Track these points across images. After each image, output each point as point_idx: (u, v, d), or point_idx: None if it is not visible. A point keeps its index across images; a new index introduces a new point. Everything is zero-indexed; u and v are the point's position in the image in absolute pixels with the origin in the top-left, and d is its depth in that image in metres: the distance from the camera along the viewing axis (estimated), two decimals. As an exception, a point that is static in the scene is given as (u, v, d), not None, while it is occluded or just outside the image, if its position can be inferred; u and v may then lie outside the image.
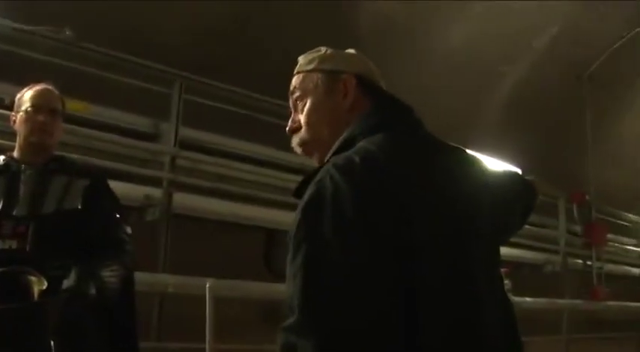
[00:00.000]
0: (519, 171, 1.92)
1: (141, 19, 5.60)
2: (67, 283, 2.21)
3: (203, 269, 4.83)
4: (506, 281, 1.58)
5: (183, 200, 5.52)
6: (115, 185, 2.81)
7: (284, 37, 6.17)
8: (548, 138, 9.52)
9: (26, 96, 2.56)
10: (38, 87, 2.59)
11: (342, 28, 6.31)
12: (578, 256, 9.85)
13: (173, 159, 5.52)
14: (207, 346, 3.40)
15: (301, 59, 1.65)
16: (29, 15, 4.82)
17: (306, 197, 1.32)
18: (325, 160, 1.44)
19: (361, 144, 1.42)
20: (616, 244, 10.88)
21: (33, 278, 2.14)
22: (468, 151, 1.60)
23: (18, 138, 2.56)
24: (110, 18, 5.40)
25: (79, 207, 2.46)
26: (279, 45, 6.05)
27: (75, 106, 4.95)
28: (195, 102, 5.75)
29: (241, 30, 6.14)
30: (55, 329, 2.15)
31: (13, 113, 2.59)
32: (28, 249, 2.32)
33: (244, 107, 6.07)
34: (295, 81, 1.63)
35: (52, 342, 2.12)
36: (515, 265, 8.77)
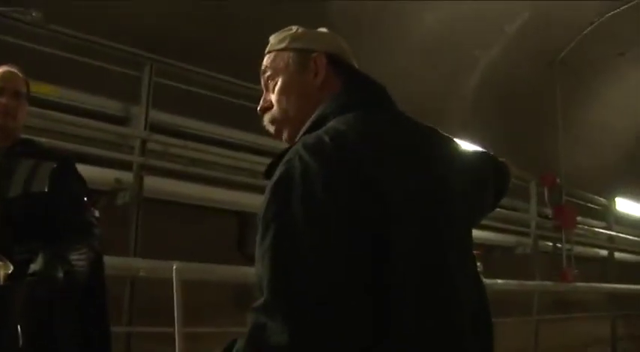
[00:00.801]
0: (492, 153, 1.90)
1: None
2: (33, 267, 2.18)
3: (175, 253, 4.81)
4: (477, 264, 1.57)
5: (154, 184, 5.48)
6: (85, 169, 2.78)
7: (256, 20, 6.13)
8: (520, 123, 9.59)
9: None
10: (0, 69, 2.54)
11: (315, 11, 6.28)
12: (548, 239, 9.97)
13: (144, 142, 5.47)
14: (175, 330, 3.38)
15: (272, 38, 1.64)
16: (-6, -4, 4.73)
17: (275, 177, 1.31)
18: (295, 140, 1.43)
19: (331, 123, 1.41)
20: (585, 227, 11.01)
21: (-1, 262, 2.12)
22: (442, 132, 1.60)
23: None
24: (79, -1, 5.32)
25: (46, 189, 2.43)
26: (251, 27, 6.01)
27: (44, 89, 4.89)
28: (165, 85, 5.70)
29: (213, 12, 6.08)
30: (22, 313, 2.13)
31: None
32: (-7, 232, 2.29)
33: (215, 90, 6.03)
34: (266, 60, 1.63)
35: (18, 327, 2.10)
36: (487, 248, 8.86)
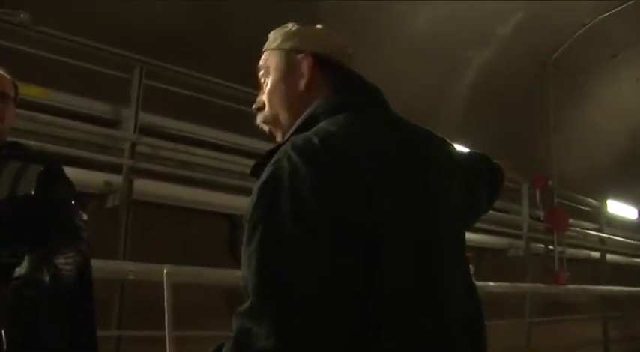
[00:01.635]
0: (486, 155, 1.88)
1: (100, 1, 5.50)
2: (19, 270, 2.15)
3: (166, 256, 4.78)
4: (469, 266, 1.56)
5: (144, 186, 5.45)
6: (74, 171, 2.76)
7: (248, 21, 6.10)
8: (512, 124, 9.60)
9: None
10: None
11: (308, 11, 6.25)
12: (540, 241, 9.97)
13: (133, 145, 5.44)
14: (166, 333, 3.34)
15: (270, 35, 1.64)
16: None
17: (262, 177, 1.29)
18: (284, 140, 1.42)
19: (322, 124, 1.39)
20: (577, 229, 11.03)
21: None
22: (435, 133, 1.58)
23: None
24: (68, 1, 5.28)
25: (33, 192, 2.39)
26: (243, 29, 5.98)
27: (33, 92, 4.86)
28: (155, 87, 5.67)
29: (203, 14, 6.05)
30: (7, 317, 2.10)
31: None
32: (-21, 236, 2.25)
33: (206, 92, 6.00)
34: (262, 59, 1.63)
35: (2, 332, 2.07)
36: (479, 250, 8.86)
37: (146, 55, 5.52)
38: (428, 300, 1.30)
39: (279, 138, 1.59)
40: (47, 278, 2.17)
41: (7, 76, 2.55)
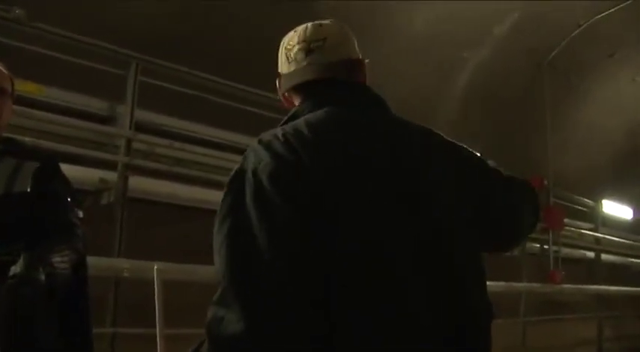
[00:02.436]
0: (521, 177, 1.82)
1: (96, -2, 5.49)
2: (14, 269, 2.13)
3: (160, 253, 4.77)
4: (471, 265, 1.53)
5: (139, 183, 5.43)
6: (69, 168, 2.73)
7: (243, 19, 6.09)
8: (508, 124, 9.60)
9: None
10: None
11: (304, 11, 6.24)
12: (536, 240, 9.97)
13: (129, 142, 5.42)
14: (157, 330, 3.33)
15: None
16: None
17: (232, 171, 1.39)
18: None
19: (297, 120, 1.49)
20: (572, 228, 11.04)
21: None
22: (420, 126, 1.59)
23: None
24: (63, -3, 5.27)
25: (28, 190, 2.37)
26: (238, 27, 5.97)
27: (28, 88, 4.83)
28: (151, 84, 5.64)
29: (199, 11, 6.04)
30: (2, 316, 2.08)
31: None
32: (-27, 233, 2.23)
33: (201, 90, 5.98)
34: None
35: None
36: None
37: (142, 51, 5.50)
38: (382, 289, 1.31)
39: None
40: (42, 277, 2.15)
41: (5, 71, 2.52)
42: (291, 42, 1.66)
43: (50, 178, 2.48)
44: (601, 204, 12.11)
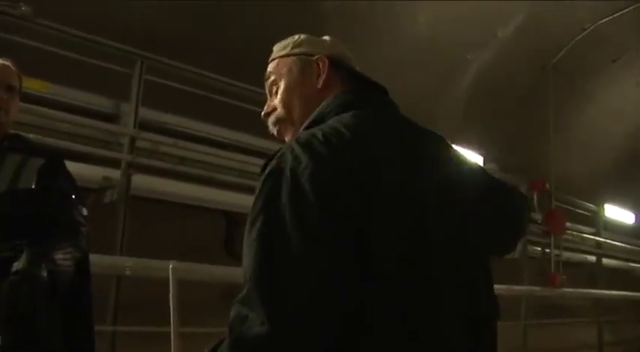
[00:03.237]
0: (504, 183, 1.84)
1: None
2: (17, 265, 2.14)
3: (162, 252, 4.77)
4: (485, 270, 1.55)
5: (142, 182, 5.43)
6: (73, 166, 2.73)
7: (249, 18, 6.10)
8: (511, 126, 9.60)
9: None
10: None
11: (307, 10, 6.25)
12: (537, 244, 9.97)
13: (133, 140, 5.42)
14: (171, 329, 3.33)
15: (275, 47, 1.70)
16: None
17: (267, 169, 1.32)
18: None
19: (329, 121, 1.44)
20: (574, 232, 11.03)
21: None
22: (442, 136, 1.59)
23: None
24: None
25: (33, 186, 2.38)
26: (244, 25, 5.98)
27: (33, 85, 4.84)
28: (156, 82, 5.65)
29: (205, 10, 6.04)
30: (3, 313, 2.09)
31: None
32: (-23, 229, 2.24)
33: (206, 88, 5.99)
34: (270, 67, 1.68)
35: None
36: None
37: (147, 50, 5.51)
38: (420, 303, 1.30)
39: (289, 138, 1.62)
40: (45, 274, 2.15)
41: (13, 68, 2.53)
42: (339, 45, 1.70)
43: (55, 175, 2.49)
44: (603, 208, 12.09)
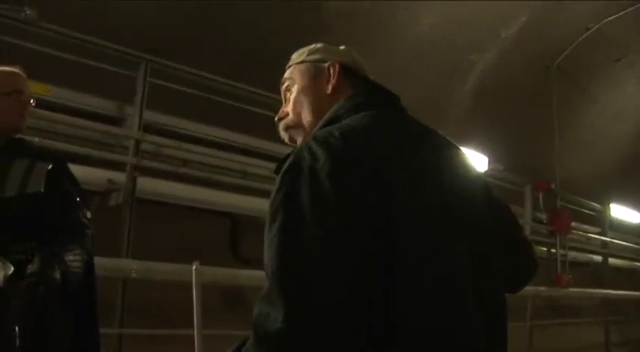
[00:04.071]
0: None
1: (106, -1, 5.50)
2: (31, 268, 2.16)
3: (168, 254, 4.78)
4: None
5: (147, 184, 5.44)
6: (78, 169, 2.76)
7: (252, 20, 6.10)
8: (516, 127, 9.58)
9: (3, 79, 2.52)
10: (12, 70, 2.56)
11: (311, 11, 6.25)
12: (542, 244, 9.95)
13: (137, 143, 5.42)
14: (195, 332, 3.36)
15: (293, 55, 1.77)
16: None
17: (285, 166, 1.34)
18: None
19: (345, 121, 1.48)
20: (579, 232, 11.01)
21: (-2, 263, 2.10)
22: (451, 140, 1.62)
23: None
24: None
25: (42, 190, 2.40)
26: (247, 27, 5.98)
27: (36, 88, 4.84)
28: (160, 85, 5.66)
29: (208, 12, 6.05)
30: (21, 314, 2.11)
31: None
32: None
33: (211, 91, 5.99)
34: (286, 73, 1.75)
35: (16, 328, 2.08)
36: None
37: (151, 52, 5.51)
38: (441, 301, 1.31)
39: (300, 142, 1.66)
40: (58, 276, 2.19)
41: (23, 75, 2.59)
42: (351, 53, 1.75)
43: (61, 179, 2.51)
44: (609, 207, 12.05)
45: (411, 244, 1.29)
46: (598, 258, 11.90)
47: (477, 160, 8.23)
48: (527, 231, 9.65)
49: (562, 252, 9.93)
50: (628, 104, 11.46)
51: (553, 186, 9.83)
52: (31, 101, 2.59)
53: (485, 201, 1.58)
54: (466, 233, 1.42)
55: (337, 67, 1.65)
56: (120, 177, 5.30)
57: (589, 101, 10.96)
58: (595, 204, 11.64)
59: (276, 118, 1.74)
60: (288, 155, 1.38)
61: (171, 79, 5.77)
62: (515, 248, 1.69)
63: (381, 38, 7.52)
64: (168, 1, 5.87)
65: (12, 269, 2.11)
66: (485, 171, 8.17)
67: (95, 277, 2.52)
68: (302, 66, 1.71)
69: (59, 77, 5.15)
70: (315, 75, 1.68)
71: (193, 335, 3.34)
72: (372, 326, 1.23)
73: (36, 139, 3.36)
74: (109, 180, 5.27)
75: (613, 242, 12.09)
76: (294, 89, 1.69)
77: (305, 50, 1.73)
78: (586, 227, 11.49)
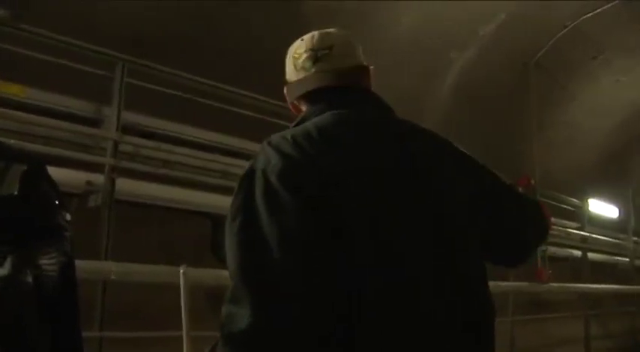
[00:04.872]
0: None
1: (81, -1, 5.45)
2: (1, 271, 2.11)
3: (148, 256, 4.75)
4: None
5: (126, 186, 5.40)
6: (55, 171, 2.71)
7: (231, 19, 6.07)
8: (494, 124, 9.62)
9: None
10: None
11: (290, 10, 6.23)
12: (522, 239, 9.97)
13: (115, 144, 5.37)
14: (183, 334, 3.33)
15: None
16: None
17: (242, 171, 1.44)
18: None
19: (306, 123, 1.55)
20: (559, 227, 11.08)
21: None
22: (419, 126, 1.67)
23: None
24: (49, -2, 5.23)
25: (16, 192, 2.35)
26: (225, 27, 5.95)
27: (11, 89, 4.80)
28: (137, 85, 5.61)
29: (186, 12, 6.01)
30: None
31: None
32: (-39, 236, 2.21)
33: (188, 91, 5.95)
34: None
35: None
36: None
37: (128, 53, 5.46)
38: (403, 285, 1.34)
39: None
40: (30, 279, 2.14)
41: None
42: (298, 50, 1.70)
43: (37, 181, 2.46)
44: (587, 203, 12.16)
45: (363, 231, 1.33)
46: (577, 253, 11.99)
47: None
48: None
49: (542, 247, 9.98)
50: (605, 100, 11.56)
51: (533, 181, 9.87)
52: None
53: (461, 174, 1.60)
54: (428, 210, 1.44)
55: (294, 102, 1.71)
56: (98, 178, 5.25)
57: (567, 98, 11.04)
58: (574, 200, 11.73)
59: None
60: None
61: (149, 79, 5.73)
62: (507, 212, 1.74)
63: (360, 37, 7.50)
64: (148, 2, 5.82)
65: None
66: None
67: (76, 280, 2.48)
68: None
69: (35, 78, 5.09)
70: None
71: (177, 336, 3.32)
72: (336, 318, 1.26)
73: (12, 141, 3.31)
74: (88, 182, 5.23)
75: (592, 237, 12.19)
76: None
77: (289, 63, 1.73)
78: (565, 222, 11.56)
